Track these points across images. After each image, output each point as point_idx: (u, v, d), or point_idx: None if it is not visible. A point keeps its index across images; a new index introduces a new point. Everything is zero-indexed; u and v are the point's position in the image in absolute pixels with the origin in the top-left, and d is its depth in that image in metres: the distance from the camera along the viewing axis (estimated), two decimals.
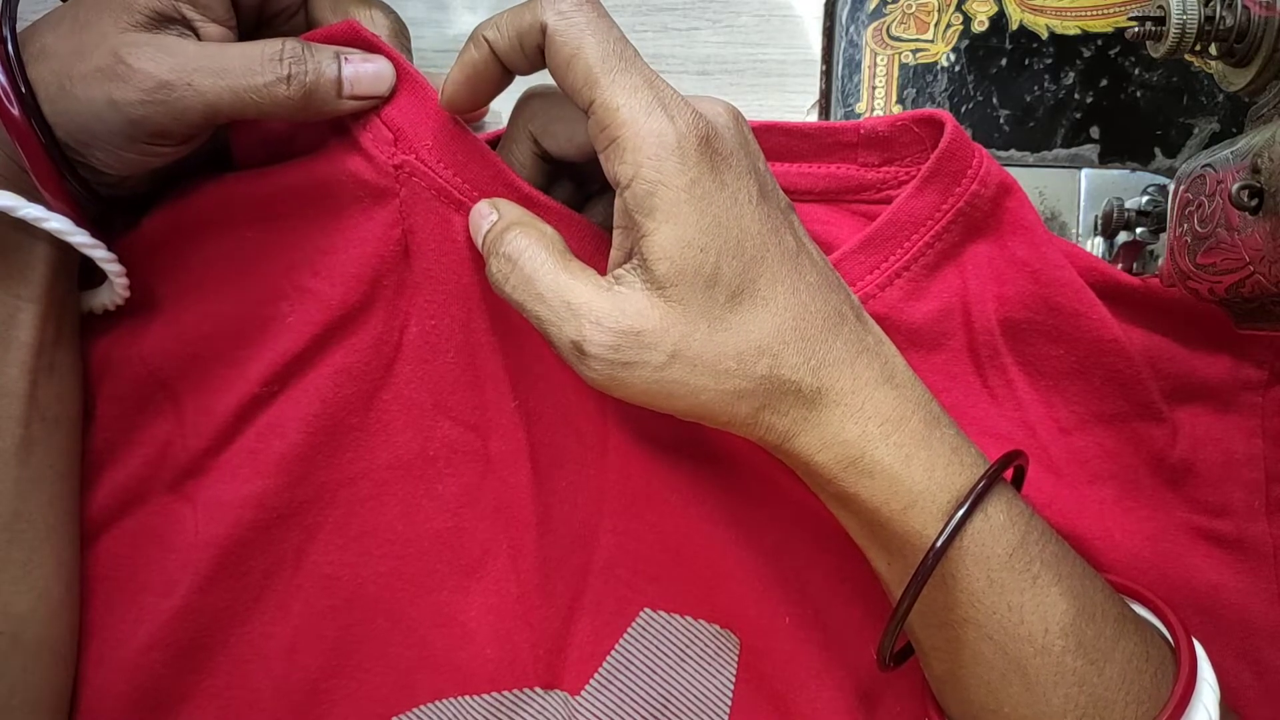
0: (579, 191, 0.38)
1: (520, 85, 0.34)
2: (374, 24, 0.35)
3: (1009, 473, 0.32)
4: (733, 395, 0.30)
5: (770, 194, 0.31)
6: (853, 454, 0.30)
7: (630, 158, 0.29)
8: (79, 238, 0.34)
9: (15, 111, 0.31)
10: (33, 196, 0.33)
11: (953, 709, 0.33)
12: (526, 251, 0.31)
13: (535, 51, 0.31)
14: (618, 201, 0.30)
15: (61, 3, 0.34)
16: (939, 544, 0.29)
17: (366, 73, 0.34)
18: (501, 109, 0.42)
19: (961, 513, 0.29)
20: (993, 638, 0.30)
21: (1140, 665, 0.31)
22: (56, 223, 0.33)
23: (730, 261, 0.29)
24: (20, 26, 0.33)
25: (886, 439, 0.30)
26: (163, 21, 0.32)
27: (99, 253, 0.34)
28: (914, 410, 0.31)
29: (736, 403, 0.30)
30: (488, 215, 0.33)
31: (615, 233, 0.31)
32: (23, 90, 0.31)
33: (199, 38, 0.33)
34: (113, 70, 0.31)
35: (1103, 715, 0.30)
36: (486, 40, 0.31)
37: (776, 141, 0.38)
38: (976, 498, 0.30)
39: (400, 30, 0.37)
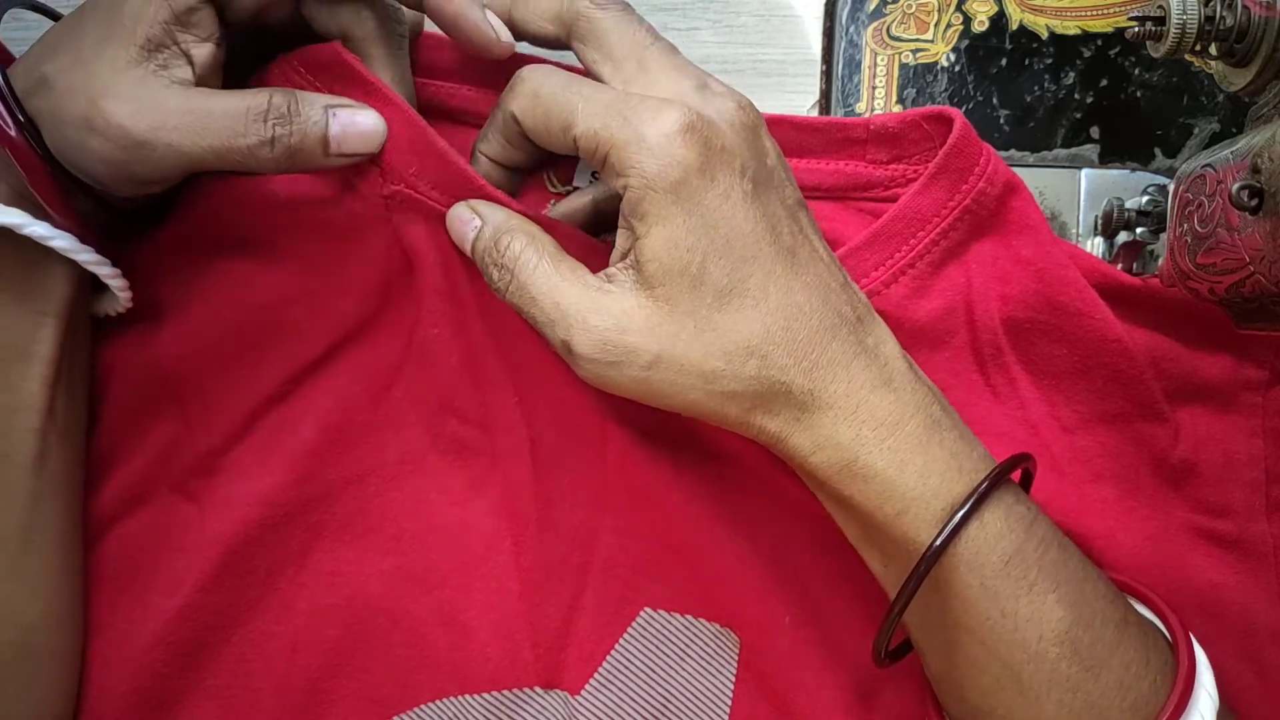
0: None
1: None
2: (360, 20, 0.35)
3: (1017, 474, 0.32)
4: (722, 396, 0.30)
5: (775, 189, 0.31)
6: (846, 458, 0.30)
7: (620, 169, 0.29)
8: (84, 255, 0.34)
9: (13, 133, 0.31)
10: (44, 212, 0.33)
11: (951, 708, 0.33)
12: (520, 257, 0.31)
13: (521, 140, 0.33)
14: (620, 209, 0.30)
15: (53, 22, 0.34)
16: (930, 551, 0.29)
17: (355, 132, 0.33)
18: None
19: (955, 521, 0.29)
20: (986, 643, 0.30)
21: (1139, 671, 0.30)
22: (62, 240, 0.33)
23: (718, 261, 0.29)
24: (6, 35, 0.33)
25: (881, 443, 0.30)
26: (156, 49, 0.32)
27: (104, 269, 0.35)
28: (912, 414, 0.31)
29: (726, 403, 0.30)
30: (469, 221, 0.33)
31: (618, 233, 0.31)
32: (20, 117, 0.31)
33: (191, 62, 0.33)
34: (90, 121, 0.31)
35: None
36: (486, 155, 0.35)
37: (785, 135, 0.38)
38: (972, 507, 0.29)
39: (389, 18, 0.36)
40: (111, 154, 0.31)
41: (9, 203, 0.32)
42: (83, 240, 0.33)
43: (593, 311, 0.30)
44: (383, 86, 0.34)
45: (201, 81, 0.33)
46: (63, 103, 0.31)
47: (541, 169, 0.39)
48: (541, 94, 0.31)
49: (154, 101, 0.31)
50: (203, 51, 0.33)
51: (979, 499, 0.30)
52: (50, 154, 0.32)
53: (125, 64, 0.31)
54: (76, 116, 0.31)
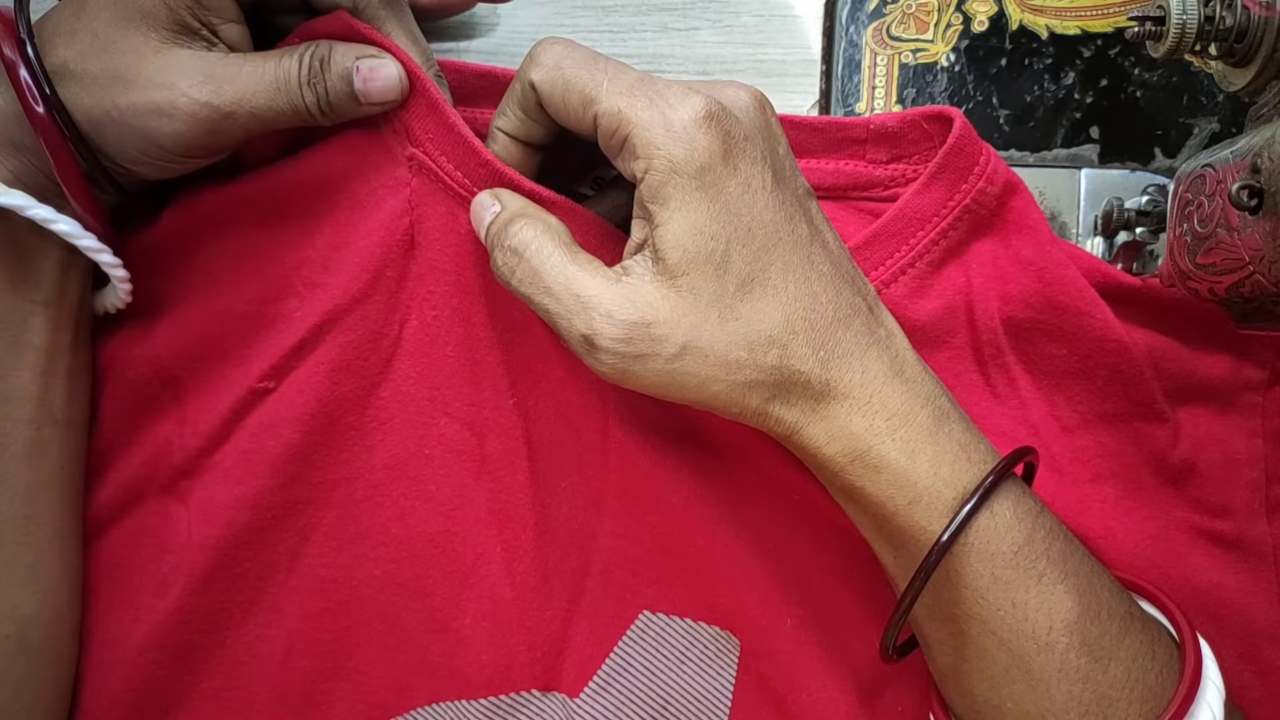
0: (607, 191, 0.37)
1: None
2: None
3: (1019, 468, 0.32)
4: (743, 386, 0.30)
5: (787, 180, 0.31)
6: (859, 448, 0.30)
7: (642, 151, 0.29)
8: (86, 241, 0.33)
9: (40, 109, 0.31)
10: (49, 194, 0.33)
11: (956, 703, 0.33)
12: (533, 243, 0.30)
13: (539, 113, 0.32)
14: (635, 196, 0.30)
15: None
16: (943, 540, 0.29)
17: (376, 84, 0.34)
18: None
19: (966, 510, 0.29)
20: (996, 633, 0.30)
21: (1145, 664, 0.30)
22: (65, 225, 0.33)
23: (741, 249, 0.29)
24: None
25: (893, 434, 0.30)
26: (192, 34, 0.32)
27: (104, 257, 0.34)
28: (922, 406, 0.31)
29: (747, 394, 0.30)
30: (489, 206, 0.33)
31: (633, 224, 0.31)
32: (47, 91, 0.31)
33: (221, 40, 0.33)
34: (164, 107, 0.31)
35: (1106, 712, 0.30)
36: (503, 131, 0.33)
37: (786, 135, 0.37)
38: (982, 496, 0.30)
39: None
40: (186, 133, 0.32)
41: (8, 184, 0.32)
42: (86, 227, 0.33)
43: (615, 302, 0.29)
44: (400, 51, 0.34)
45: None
46: (113, 92, 0.31)
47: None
48: (564, 66, 0.31)
49: (227, 73, 0.32)
50: (232, 31, 0.33)
51: (990, 488, 0.30)
52: (77, 134, 0.32)
53: (160, 44, 0.32)
54: (143, 105, 0.31)
